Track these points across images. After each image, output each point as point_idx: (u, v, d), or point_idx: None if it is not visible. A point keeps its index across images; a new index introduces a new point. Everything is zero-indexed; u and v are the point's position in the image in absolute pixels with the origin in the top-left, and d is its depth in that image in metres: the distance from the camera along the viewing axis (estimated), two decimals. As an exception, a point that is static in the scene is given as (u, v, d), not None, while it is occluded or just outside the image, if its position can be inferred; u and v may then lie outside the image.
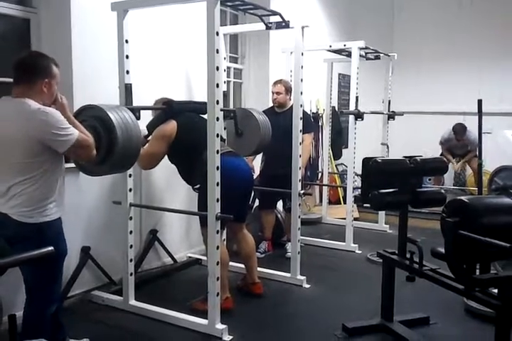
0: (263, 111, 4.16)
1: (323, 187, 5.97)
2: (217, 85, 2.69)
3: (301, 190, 3.83)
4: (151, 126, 3.25)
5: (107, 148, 2.42)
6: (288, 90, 4.35)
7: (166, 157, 3.30)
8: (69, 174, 2.36)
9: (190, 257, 4.30)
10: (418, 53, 7.41)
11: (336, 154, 6.40)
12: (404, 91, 6.92)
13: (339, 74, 6.73)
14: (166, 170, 3.64)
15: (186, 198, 4.05)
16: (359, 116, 4.77)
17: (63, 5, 3.23)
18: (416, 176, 2.92)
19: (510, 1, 6.96)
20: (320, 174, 6.18)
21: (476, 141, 5.95)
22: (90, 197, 3.42)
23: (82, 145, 2.20)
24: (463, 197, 2.33)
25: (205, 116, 2.87)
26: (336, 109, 6.43)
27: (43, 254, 1.83)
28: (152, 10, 3.50)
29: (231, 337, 2.85)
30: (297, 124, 3.71)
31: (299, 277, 3.78)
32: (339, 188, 6.44)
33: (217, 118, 2.73)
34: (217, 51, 2.66)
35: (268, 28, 3.67)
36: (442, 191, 3.08)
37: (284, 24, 3.57)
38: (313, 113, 6.09)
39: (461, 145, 6.65)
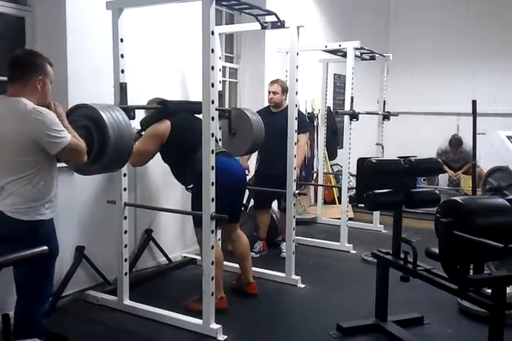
0: (258, 111, 4.17)
1: (318, 187, 5.97)
2: (213, 85, 2.69)
3: (296, 189, 3.83)
4: (145, 123, 3.25)
5: (99, 147, 2.41)
6: (284, 90, 4.35)
7: (159, 156, 3.30)
8: (63, 173, 2.36)
9: (185, 257, 4.29)
10: (413, 54, 7.42)
11: (331, 154, 6.41)
12: (399, 92, 6.94)
13: (334, 74, 6.74)
14: (160, 170, 3.64)
15: (181, 198, 4.05)
16: (354, 116, 4.78)
17: (58, 3, 3.22)
18: (410, 176, 2.92)
19: (505, 2, 6.99)
20: (315, 174, 6.19)
21: (471, 152, 6.00)
22: (84, 196, 3.41)
23: (73, 149, 2.19)
24: (457, 198, 2.34)
25: (200, 116, 2.87)
26: (331, 109, 6.43)
27: (36, 254, 1.83)
28: (147, 9, 3.49)
29: (225, 337, 2.85)
30: (292, 124, 3.71)
31: (294, 277, 3.78)
32: (334, 188, 6.44)
33: (213, 118, 2.73)
34: (213, 50, 2.66)
35: (263, 27, 3.68)
36: (436, 191, 3.09)
37: (279, 24, 3.57)
38: (308, 113, 6.09)
39: (457, 158, 6.69)
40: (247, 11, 3.52)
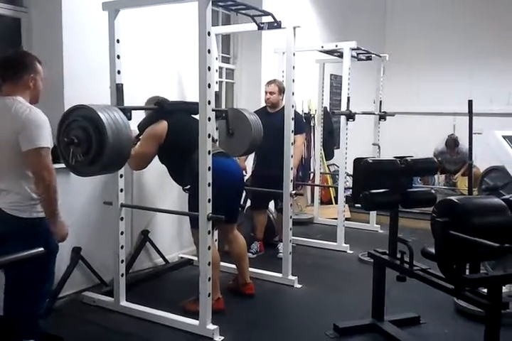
0: (255, 112, 4.16)
1: (315, 187, 5.99)
2: (209, 85, 2.69)
3: (293, 190, 3.84)
4: (143, 127, 3.25)
5: (97, 148, 2.40)
6: (281, 91, 4.36)
7: (156, 157, 3.30)
8: (59, 174, 2.35)
9: (181, 258, 4.29)
10: (410, 54, 7.43)
11: (328, 154, 6.42)
12: (395, 92, 6.95)
13: (331, 74, 6.75)
14: (157, 171, 3.63)
15: (178, 198, 4.05)
16: (351, 116, 4.79)
17: (54, 4, 3.21)
18: (406, 176, 2.93)
19: (501, 2, 7.00)
20: (312, 174, 6.19)
21: (467, 152, 6.00)
22: (81, 197, 3.41)
23: (42, 157, 2.15)
24: (453, 198, 2.34)
25: (196, 117, 2.87)
26: (328, 109, 6.44)
27: (33, 255, 1.83)
28: (144, 10, 3.49)
29: (222, 338, 2.85)
30: (289, 125, 3.72)
31: (291, 277, 3.78)
32: (331, 188, 6.45)
33: (209, 119, 2.73)
34: (209, 51, 2.66)
35: (260, 28, 3.68)
36: (433, 191, 3.09)
37: (275, 24, 3.57)
38: (305, 113, 6.10)
39: (454, 159, 6.70)
40: (243, 11, 3.52)
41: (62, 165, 2.60)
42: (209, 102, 2.71)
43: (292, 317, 3.27)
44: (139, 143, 3.23)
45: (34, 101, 2.32)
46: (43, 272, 2.32)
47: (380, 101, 5.51)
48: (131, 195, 3.79)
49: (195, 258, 3.89)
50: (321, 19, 6.63)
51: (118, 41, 2.95)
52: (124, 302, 3.20)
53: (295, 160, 4.11)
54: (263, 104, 4.68)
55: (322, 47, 5.06)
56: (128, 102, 3.01)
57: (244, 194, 4.82)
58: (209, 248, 2.81)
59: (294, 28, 3.62)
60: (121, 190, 3.12)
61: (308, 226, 5.71)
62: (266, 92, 4.49)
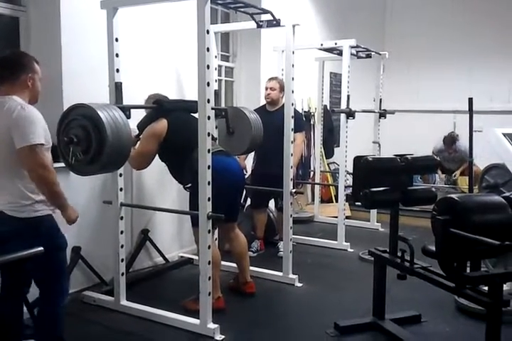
0: (254, 110, 4.15)
1: (315, 185, 5.98)
2: (208, 84, 2.68)
3: (293, 188, 3.83)
4: (142, 125, 3.24)
5: (97, 147, 2.40)
6: (282, 88, 4.33)
7: (157, 156, 3.29)
8: (59, 173, 2.34)
9: (181, 257, 4.29)
10: (410, 52, 7.43)
11: (328, 153, 6.41)
12: (395, 90, 6.94)
13: (331, 72, 6.73)
14: (157, 170, 3.63)
15: (178, 197, 4.04)
16: (350, 114, 4.78)
17: (52, 3, 3.20)
18: (407, 174, 2.92)
19: (501, 1, 6.99)
20: (312, 172, 6.18)
21: (465, 149, 6.01)
22: (81, 196, 3.40)
23: (37, 154, 2.14)
24: (453, 195, 2.34)
25: (196, 115, 2.86)
26: (328, 107, 6.43)
27: (31, 255, 1.83)
28: (142, 8, 3.47)
29: (223, 337, 2.84)
30: (288, 123, 3.71)
31: (291, 276, 3.78)
32: (331, 187, 6.44)
33: (209, 117, 2.72)
34: (208, 49, 2.65)
35: (259, 26, 3.67)
36: (433, 189, 3.09)
37: (275, 22, 3.57)
38: (304, 111, 6.09)
39: (452, 157, 6.68)
40: (242, 9, 3.52)
41: (62, 164, 2.59)
42: (208, 101, 2.70)
43: (293, 316, 3.27)
44: (139, 142, 3.23)
45: (33, 101, 2.31)
46: (56, 269, 2.33)
47: (380, 99, 5.50)
48: (130, 194, 3.78)
49: (196, 257, 3.88)
50: (321, 17, 6.62)
51: (117, 40, 2.94)
52: (124, 302, 3.20)
53: (295, 158, 4.10)
54: (262, 102, 4.67)
55: (321, 45, 5.05)
56: (127, 101, 3.00)
57: (244, 192, 4.83)
58: (209, 247, 2.80)
59: (293, 26, 3.61)
60: (121, 189, 3.12)
61: (309, 225, 5.71)
62: (266, 88, 4.48)
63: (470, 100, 3.80)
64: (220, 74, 5.07)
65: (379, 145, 5.54)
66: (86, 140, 2.40)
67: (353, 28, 6.83)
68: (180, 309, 3.14)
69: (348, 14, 7.13)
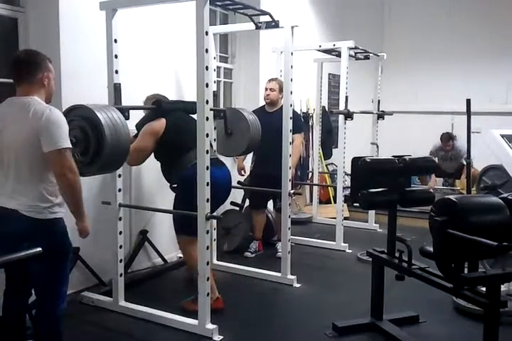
0: (253, 111, 4.16)
1: (314, 186, 5.98)
2: (207, 85, 2.69)
3: (292, 189, 3.84)
4: (141, 126, 3.25)
5: (96, 148, 2.40)
6: (281, 89, 4.32)
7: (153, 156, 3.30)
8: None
9: (180, 257, 4.28)
10: (408, 53, 7.44)
11: (326, 154, 6.42)
12: (393, 91, 6.95)
13: (329, 74, 6.75)
14: (155, 170, 3.62)
15: (176, 198, 4.04)
16: (349, 115, 4.79)
17: (51, 4, 3.20)
18: (405, 175, 2.93)
19: (499, 2, 7.01)
20: (310, 174, 6.19)
21: (462, 147, 6.02)
22: (79, 197, 3.40)
23: (65, 158, 2.14)
24: (451, 196, 2.35)
25: (194, 116, 2.87)
26: (326, 108, 6.44)
27: (30, 255, 1.83)
28: (141, 9, 3.48)
29: (221, 337, 2.85)
30: (287, 124, 3.71)
31: (290, 276, 3.78)
32: (329, 188, 6.45)
33: (207, 118, 2.73)
34: (207, 51, 2.66)
35: (258, 27, 3.68)
36: (431, 190, 3.10)
37: (273, 24, 3.57)
38: (303, 113, 6.10)
39: (449, 156, 6.69)
40: (241, 11, 3.52)
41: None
42: (207, 102, 2.71)
43: (291, 317, 3.27)
44: (136, 138, 3.23)
45: (48, 101, 2.30)
46: (60, 272, 2.32)
47: (378, 101, 5.51)
48: (129, 195, 3.78)
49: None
50: (319, 18, 6.63)
51: (116, 41, 2.95)
52: (122, 302, 3.20)
53: (294, 159, 4.11)
54: (261, 104, 4.67)
55: (320, 46, 5.06)
56: (126, 102, 3.00)
57: (242, 193, 4.85)
58: (207, 247, 2.81)
59: (292, 27, 3.62)
60: (120, 190, 3.12)
61: (307, 226, 5.71)
62: (266, 89, 4.48)
63: (468, 101, 3.81)
64: (218, 76, 5.08)
65: (377, 146, 5.55)
66: (84, 141, 2.41)
67: (352, 29, 6.85)
68: (178, 309, 3.14)
69: (346, 16, 7.15)
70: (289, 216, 3.84)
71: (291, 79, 3.68)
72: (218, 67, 5.00)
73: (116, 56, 2.95)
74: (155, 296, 3.50)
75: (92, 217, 3.45)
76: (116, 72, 2.96)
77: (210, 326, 2.86)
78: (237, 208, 4.80)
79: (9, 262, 1.78)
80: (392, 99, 6.57)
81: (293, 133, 3.82)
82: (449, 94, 7.06)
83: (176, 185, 3.24)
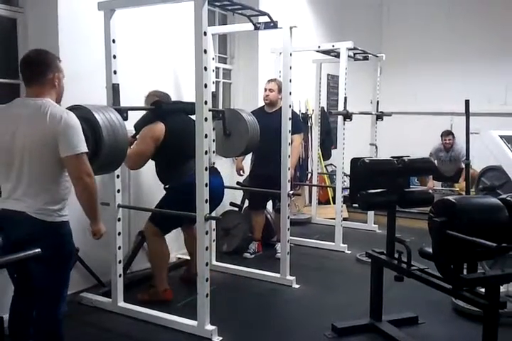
0: (252, 112, 4.16)
1: (313, 187, 5.98)
2: (206, 85, 2.69)
3: (291, 190, 3.83)
4: (139, 126, 3.25)
5: (93, 149, 2.40)
6: (280, 90, 4.33)
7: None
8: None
9: (179, 258, 4.28)
10: (407, 54, 7.44)
11: (325, 154, 6.42)
12: (392, 92, 6.95)
13: (328, 74, 6.75)
14: (154, 171, 3.62)
15: (175, 199, 4.03)
16: (348, 116, 4.79)
17: (50, 5, 3.20)
18: (404, 176, 2.93)
19: (498, 3, 7.01)
20: (309, 174, 6.19)
21: (461, 150, 6.02)
22: (78, 198, 3.39)
23: (83, 162, 2.15)
24: (450, 197, 2.34)
25: (193, 117, 2.86)
26: (325, 109, 6.44)
27: (29, 256, 1.83)
28: (139, 9, 3.47)
29: (220, 338, 2.84)
30: (286, 125, 3.71)
31: (289, 277, 3.78)
32: (328, 188, 6.45)
33: (206, 119, 2.72)
34: (205, 51, 2.65)
35: (256, 28, 3.68)
36: (430, 191, 3.10)
37: (272, 24, 3.57)
38: (302, 113, 6.10)
39: (449, 157, 6.69)
40: (239, 11, 3.52)
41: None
42: (206, 102, 2.70)
43: (290, 318, 3.27)
44: (136, 142, 3.23)
45: (58, 102, 2.27)
46: (62, 274, 2.30)
47: (377, 101, 5.52)
48: (128, 196, 3.77)
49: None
50: (318, 19, 6.63)
51: (114, 41, 2.95)
52: (121, 303, 3.19)
53: (293, 160, 4.11)
54: (260, 104, 4.67)
55: (319, 47, 5.06)
56: (124, 102, 3.00)
57: (241, 194, 4.84)
58: (207, 248, 2.81)
59: (291, 28, 3.62)
60: (118, 191, 3.11)
61: (306, 227, 5.71)
62: (265, 89, 4.48)
63: (467, 102, 3.81)
64: (217, 76, 5.07)
65: (376, 147, 5.55)
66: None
67: (350, 30, 6.85)
68: (177, 310, 3.13)
69: (345, 16, 7.15)
70: (288, 217, 3.83)
71: (290, 80, 3.68)
72: (217, 68, 5.00)
73: (114, 56, 2.95)
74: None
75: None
76: (115, 72, 2.95)
77: (209, 327, 2.85)
78: (237, 209, 4.80)
79: (9, 262, 1.78)
80: (391, 100, 6.57)
81: (292, 134, 3.82)
82: (447, 95, 7.06)
83: (168, 186, 3.31)
